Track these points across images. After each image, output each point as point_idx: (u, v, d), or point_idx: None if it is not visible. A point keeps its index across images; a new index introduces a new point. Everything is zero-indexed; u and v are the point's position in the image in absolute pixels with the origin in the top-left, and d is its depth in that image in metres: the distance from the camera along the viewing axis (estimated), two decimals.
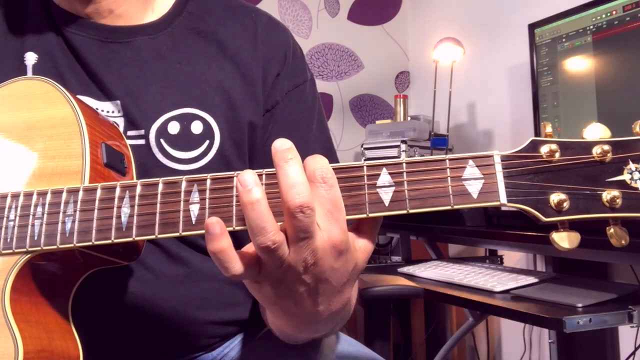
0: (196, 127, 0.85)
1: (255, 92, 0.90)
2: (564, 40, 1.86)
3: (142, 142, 0.84)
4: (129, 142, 0.82)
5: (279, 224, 0.55)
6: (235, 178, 0.59)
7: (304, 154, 0.92)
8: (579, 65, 1.82)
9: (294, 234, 0.54)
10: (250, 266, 0.56)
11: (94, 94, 0.84)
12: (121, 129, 0.83)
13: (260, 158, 0.91)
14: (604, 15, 1.73)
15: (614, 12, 1.70)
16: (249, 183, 0.54)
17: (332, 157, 0.96)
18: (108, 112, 0.84)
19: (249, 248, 0.57)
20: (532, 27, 1.98)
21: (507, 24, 2.45)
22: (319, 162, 0.56)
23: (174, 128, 0.84)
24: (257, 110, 0.89)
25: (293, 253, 0.55)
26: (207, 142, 0.85)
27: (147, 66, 0.86)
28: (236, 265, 0.55)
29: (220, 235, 0.55)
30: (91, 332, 0.71)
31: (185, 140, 0.84)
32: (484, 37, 2.58)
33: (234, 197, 0.59)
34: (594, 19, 1.76)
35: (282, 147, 0.55)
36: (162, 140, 0.84)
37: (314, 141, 0.94)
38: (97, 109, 0.83)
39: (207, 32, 0.91)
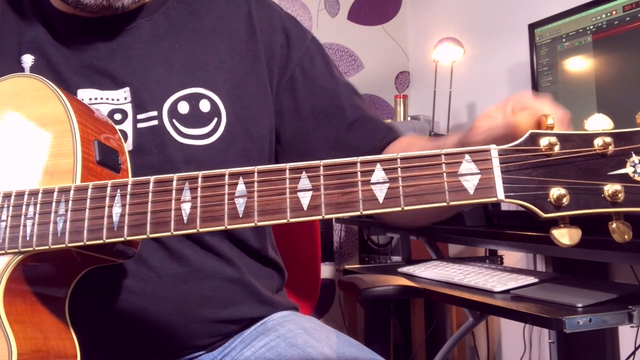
0: (204, 106, 0.87)
1: (257, 68, 0.91)
2: (564, 40, 1.86)
3: (155, 122, 0.85)
4: (141, 125, 0.84)
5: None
6: (226, 176, 0.59)
7: (336, 103, 0.95)
8: (579, 65, 1.81)
9: None
10: None
11: (98, 85, 0.85)
12: (130, 115, 0.84)
13: (292, 122, 0.94)
14: (604, 15, 1.72)
15: (614, 12, 1.69)
16: None
17: (357, 95, 1.00)
18: (114, 100, 0.84)
19: None
20: (532, 27, 1.97)
21: (507, 24, 2.44)
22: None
23: (183, 107, 0.86)
24: (259, 85, 0.91)
25: None
26: (216, 119, 0.87)
27: (148, 49, 0.88)
28: None
29: None
30: (91, 331, 0.71)
31: (195, 118, 0.86)
32: (484, 37, 2.57)
33: (226, 195, 0.58)
34: (594, 19, 1.75)
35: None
36: (174, 120, 0.85)
37: (342, 85, 0.98)
38: (102, 98, 0.84)
39: (201, 12, 0.92)
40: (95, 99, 0.84)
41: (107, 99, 0.84)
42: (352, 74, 2.97)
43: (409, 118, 2.62)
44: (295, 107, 0.93)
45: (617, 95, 1.70)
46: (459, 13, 2.77)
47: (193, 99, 0.86)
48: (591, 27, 1.76)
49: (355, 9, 3.01)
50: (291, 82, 0.93)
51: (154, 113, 0.85)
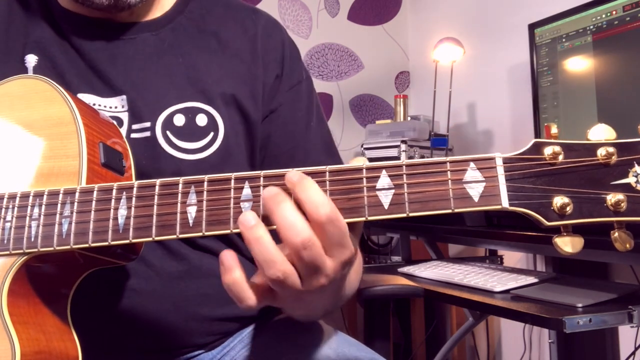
0: (201, 120, 0.87)
1: (254, 92, 0.92)
2: (564, 40, 1.86)
3: (147, 134, 0.85)
4: (134, 135, 0.84)
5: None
6: (232, 180, 0.59)
7: (306, 152, 0.95)
8: (579, 65, 1.82)
9: (305, 269, 0.56)
10: (265, 296, 0.59)
11: (97, 91, 0.85)
12: (125, 123, 0.85)
13: (262, 159, 0.93)
14: (604, 15, 1.72)
15: (614, 12, 1.70)
16: (249, 220, 0.56)
17: (333, 153, 0.99)
18: (112, 107, 0.85)
19: (261, 279, 0.58)
20: (532, 27, 1.98)
21: (507, 24, 2.44)
22: (317, 199, 0.56)
23: (179, 120, 0.86)
24: (255, 108, 0.91)
25: (307, 283, 0.57)
26: (212, 133, 0.87)
27: (150, 61, 0.88)
28: (250, 297, 0.58)
29: (231, 267, 0.57)
30: (91, 330, 0.72)
31: (190, 132, 0.86)
32: (484, 37, 2.58)
33: (232, 199, 0.59)
34: (594, 19, 1.76)
35: (270, 193, 0.56)
36: (168, 132, 0.85)
37: (315, 138, 0.96)
38: (100, 105, 0.84)
39: (209, 31, 0.93)
40: (94, 104, 0.84)
41: (105, 106, 0.84)
42: (352, 74, 2.98)
43: (409, 118, 2.62)
44: (266, 136, 0.93)
45: (617, 95, 1.71)
46: (459, 13, 2.77)
47: (190, 113, 0.86)
48: (591, 27, 1.76)
49: (355, 9, 3.01)
50: (273, 114, 0.94)
51: (148, 124, 0.85)
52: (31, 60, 0.85)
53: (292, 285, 0.56)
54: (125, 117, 0.85)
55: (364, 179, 0.57)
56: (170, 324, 0.84)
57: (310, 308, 0.68)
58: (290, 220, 0.55)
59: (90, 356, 0.68)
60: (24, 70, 0.84)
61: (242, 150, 0.90)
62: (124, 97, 0.85)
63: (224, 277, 0.57)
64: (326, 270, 0.56)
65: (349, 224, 0.58)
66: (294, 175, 0.57)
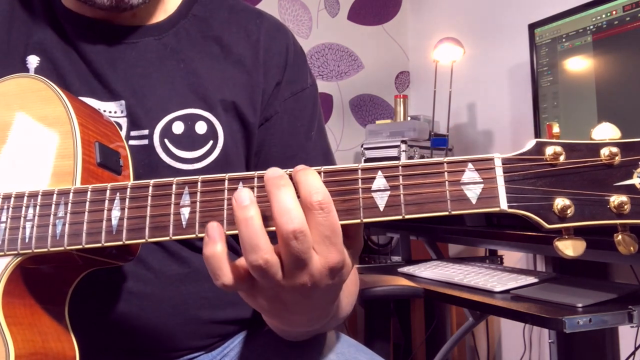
0: (200, 128, 0.86)
1: (254, 99, 0.90)
2: (564, 40, 1.86)
3: (145, 142, 0.84)
4: (132, 142, 0.83)
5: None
6: (226, 181, 0.59)
7: (304, 162, 0.93)
8: (579, 65, 1.81)
9: (289, 261, 0.54)
10: (242, 280, 0.56)
11: (97, 95, 0.84)
12: (124, 129, 0.84)
13: (255, 165, 0.91)
14: (604, 15, 1.72)
15: (614, 12, 1.69)
16: (244, 199, 0.54)
17: (330, 165, 0.96)
18: (111, 112, 0.84)
19: (244, 262, 0.56)
20: (532, 27, 1.98)
21: (507, 24, 2.44)
22: (314, 185, 0.54)
23: (178, 128, 0.85)
24: (254, 116, 0.90)
25: (289, 278, 0.55)
26: (211, 142, 0.86)
27: (152, 67, 0.87)
28: (226, 274, 0.56)
29: (215, 239, 0.55)
30: (90, 331, 0.71)
31: (189, 140, 0.85)
32: (484, 37, 2.57)
33: (225, 200, 0.58)
34: (594, 19, 1.75)
35: (274, 174, 0.55)
36: (166, 140, 0.84)
37: (314, 149, 0.94)
38: (99, 109, 0.83)
39: (212, 36, 0.91)
40: None
41: (105, 110, 0.84)
42: (352, 74, 2.98)
43: (409, 118, 2.62)
44: (260, 142, 0.91)
45: (617, 96, 1.70)
46: (459, 13, 2.77)
47: (189, 120, 0.85)
48: (591, 27, 1.76)
49: (355, 9, 3.01)
50: (269, 121, 0.92)
51: (146, 132, 0.84)
52: (33, 61, 0.84)
53: (273, 277, 0.54)
54: (124, 122, 0.84)
55: (359, 180, 0.56)
56: (169, 327, 0.83)
57: (290, 317, 0.63)
58: (287, 205, 0.53)
59: (88, 357, 0.68)
60: (25, 71, 0.84)
61: (240, 159, 0.89)
62: (123, 102, 0.84)
63: (205, 248, 0.55)
64: (311, 268, 0.54)
65: (344, 231, 0.56)
66: (300, 165, 0.56)
